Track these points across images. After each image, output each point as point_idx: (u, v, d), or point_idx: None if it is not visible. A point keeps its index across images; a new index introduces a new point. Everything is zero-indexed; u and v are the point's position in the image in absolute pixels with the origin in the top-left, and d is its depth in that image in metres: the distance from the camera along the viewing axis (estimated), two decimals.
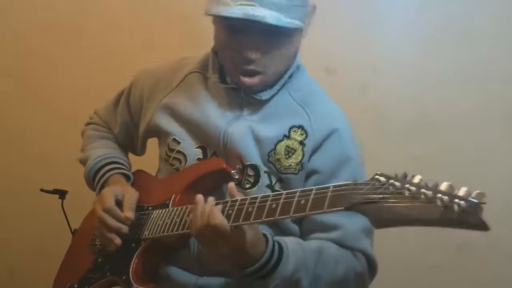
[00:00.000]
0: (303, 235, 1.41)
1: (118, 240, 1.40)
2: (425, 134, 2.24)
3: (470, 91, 2.19)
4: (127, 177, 1.57)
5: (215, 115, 1.43)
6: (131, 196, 1.47)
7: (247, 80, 1.36)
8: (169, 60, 1.59)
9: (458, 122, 2.22)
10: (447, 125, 2.23)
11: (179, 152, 1.46)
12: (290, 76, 1.44)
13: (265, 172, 1.39)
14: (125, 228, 1.41)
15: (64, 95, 2.55)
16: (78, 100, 2.49)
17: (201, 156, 1.45)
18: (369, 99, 2.26)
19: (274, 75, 1.40)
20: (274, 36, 1.33)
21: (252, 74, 1.36)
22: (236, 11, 1.28)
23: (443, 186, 0.92)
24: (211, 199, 1.25)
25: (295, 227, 1.42)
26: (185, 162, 1.45)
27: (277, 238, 1.30)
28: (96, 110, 1.74)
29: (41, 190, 2.29)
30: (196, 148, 1.46)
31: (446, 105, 2.21)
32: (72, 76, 2.54)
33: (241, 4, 1.29)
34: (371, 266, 1.40)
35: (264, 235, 1.26)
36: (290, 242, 1.31)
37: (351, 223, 1.36)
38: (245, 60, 1.34)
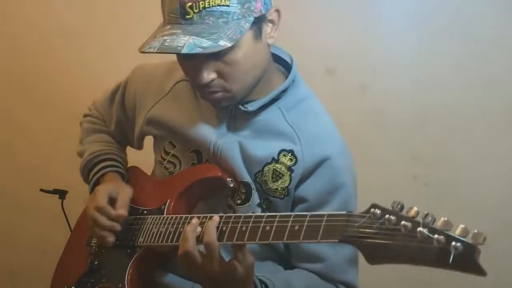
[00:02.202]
0: (288, 257, 1.40)
1: (112, 238, 1.38)
2: (425, 134, 2.24)
3: (470, 91, 2.19)
4: (122, 175, 1.55)
5: (204, 127, 1.39)
6: (125, 193, 1.44)
7: (211, 97, 1.32)
8: (164, 61, 1.56)
9: (458, 121, 2.22)
10: (447, 125, 2.23)
11: (174, 156, 1.45)
12: (284, 91, 1.37)
13: (256, 190, 1.37)
14: (117, 226, 1.38)
15: (64, 95, 2.55)
16: (78, 100, 2.49)
17: (195, 161, 1.43)
18: (369, 99, 2.26)
19: (242, 89, 1.31)
20: (220, 56, 1.24)
21: (213, 92, 1.31)
22: (154, 45, 1.22)
23: (440, 222, 0.88)
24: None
25: (281, 244, 1.40)
26: (180, 167, 1.44)
27: (266, 278, 1.27)
28: (95, 101, 1.71)
29: (41, 190, 2.30)
30: (190, 153, 1.43)
31: (446, 105, 2.21)
32: (72, 76, 2.54)
33: (163, 35, 1.23)
34: None
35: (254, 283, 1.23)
36: (278, 282, 1.28)
37: (336, 255, 1.34)
38: (200, 84, 1.29)
